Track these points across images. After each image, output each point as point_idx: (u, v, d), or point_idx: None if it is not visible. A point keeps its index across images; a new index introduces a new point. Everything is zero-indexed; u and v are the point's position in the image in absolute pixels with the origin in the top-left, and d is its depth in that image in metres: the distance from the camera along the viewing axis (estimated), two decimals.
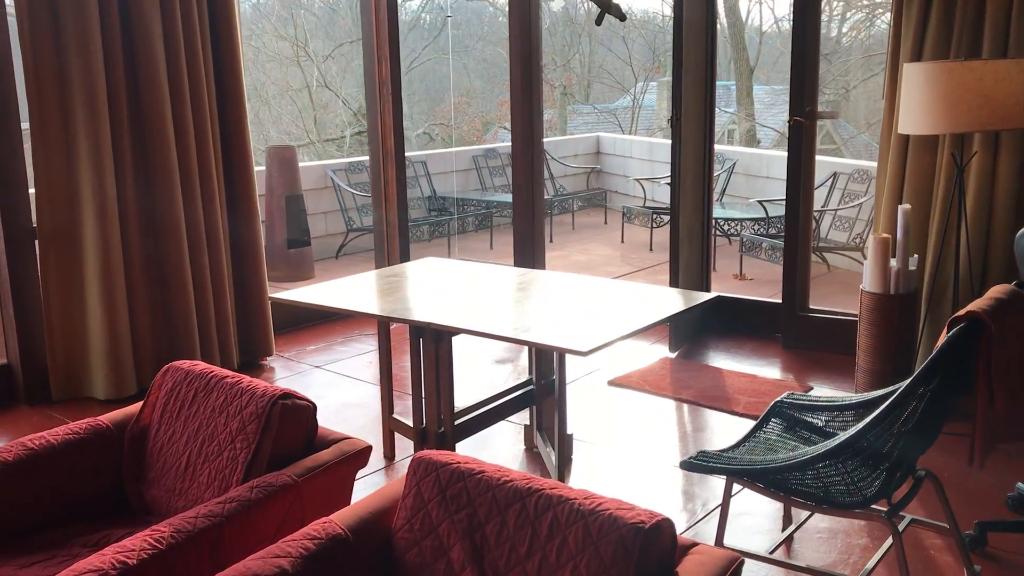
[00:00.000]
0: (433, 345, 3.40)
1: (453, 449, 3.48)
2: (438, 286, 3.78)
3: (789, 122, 5.21)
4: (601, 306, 3.39)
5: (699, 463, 2.78)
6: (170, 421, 2.51)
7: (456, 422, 3.52)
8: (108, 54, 4.53)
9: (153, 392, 2.63)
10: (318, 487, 2.28)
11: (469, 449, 4.09)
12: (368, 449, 2.39)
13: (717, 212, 8.15)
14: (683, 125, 5.42)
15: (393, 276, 4.00)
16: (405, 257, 6.52)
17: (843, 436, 2.69)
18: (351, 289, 3.74)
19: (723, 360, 5.35)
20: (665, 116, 18.50)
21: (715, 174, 9.51)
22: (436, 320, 3.22)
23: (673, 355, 5.44)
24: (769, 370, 5.14)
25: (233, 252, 5.19)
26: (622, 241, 9.45)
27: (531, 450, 4.11)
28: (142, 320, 4.81)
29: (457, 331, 3.18)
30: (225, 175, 5.10)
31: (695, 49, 5.38)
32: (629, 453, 4.07)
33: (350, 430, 4.38)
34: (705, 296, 3.51)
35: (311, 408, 2.37)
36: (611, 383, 4.97)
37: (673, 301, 3.48)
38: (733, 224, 7.97)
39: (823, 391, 4.83)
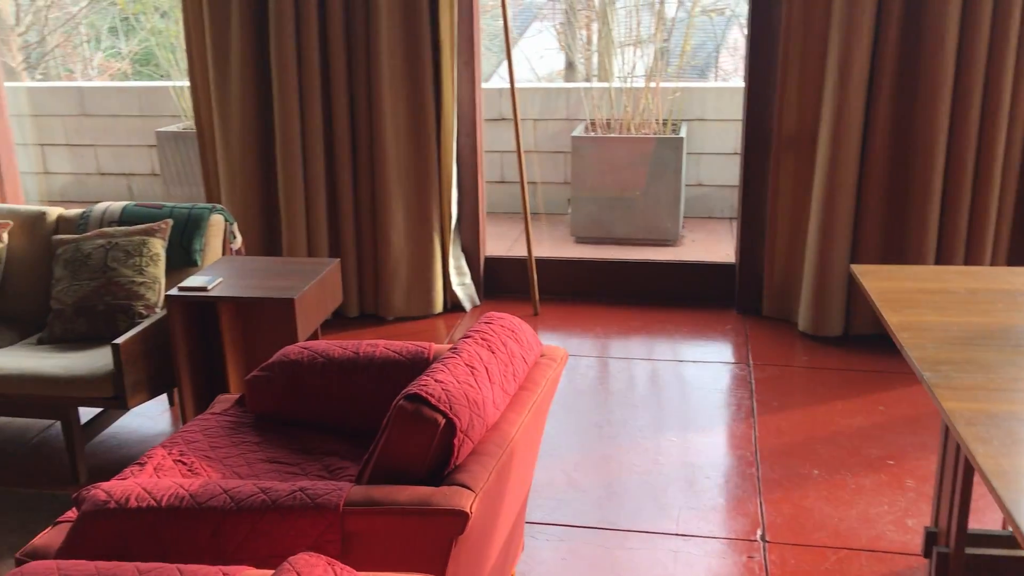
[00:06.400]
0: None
1: None
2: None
3: None
4: None
5: None
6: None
7: (976, 551, 2.08)
8: None
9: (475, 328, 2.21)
10: (375, 529, 1.66)
11: None
12: (462, 516, 1.61)
13: None
14: None
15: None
16: None
17: None
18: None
19: None
20: None
21: None
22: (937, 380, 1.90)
23: None
24: None
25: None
26: None
27: None
28: (867, 250, 3.98)
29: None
30: None
31: None
32: None
33: None
34: None
35: (438, 424, 1.69)
36: None
37: None
38: None
39: None
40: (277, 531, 1.67)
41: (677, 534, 2.78)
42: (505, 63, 8.72)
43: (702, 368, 3.91)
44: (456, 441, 1.72)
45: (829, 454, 3.20)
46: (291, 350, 2.41)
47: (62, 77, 9.14)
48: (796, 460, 3.17)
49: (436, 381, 1.78)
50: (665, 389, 3.74)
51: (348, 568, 1.31)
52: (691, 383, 3.78)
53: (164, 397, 3.64)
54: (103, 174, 6.84)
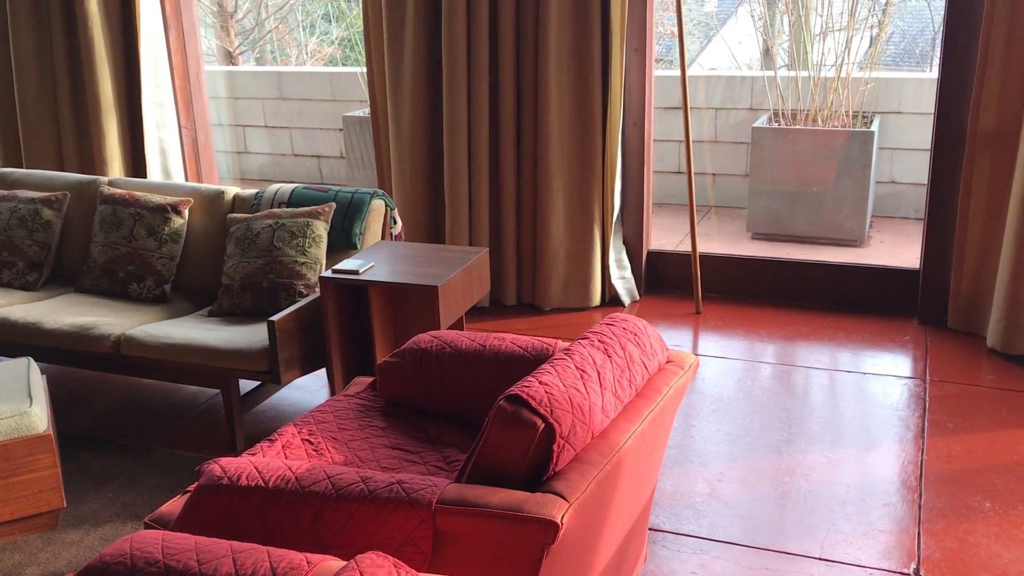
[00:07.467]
0: None
1: None
2: None
3: None
4: None
5: None
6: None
7: None
8: None
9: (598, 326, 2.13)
10: (466, 530, 1.61)
11: None
12: (553, 527, 1.52)
13: None
14: None
15: None
16: None
17: None
18: None
19: None
20: None
21: None
22: None
23: None
24: None
25: None
26: None
27: None
28: None
29: None
30: None
31: None
32: None
33: None
34: None
35: (537, 428, 1.62)
36: None
37: None
38: None
39: None
40: (373, 523, 1.67)
41: (820, 558, 2.59)
42: (706, 50, 8.46)
43: (872, 381, 3.64)
44: (555, 447, 1.66)
45: (1006, 486, 2.90)
46: (422, 338, 2.42)
47: (279, 61, 9.69)
48: (966, 489, 2.89)
49: (540, 383, 1.72)
50: (828, 401, 3.51)
51: (412, 570, 1.28)
52: (858, 396, 3.52)
53: (323, 373, 3.77)
54: (296, 155, 7.19)
